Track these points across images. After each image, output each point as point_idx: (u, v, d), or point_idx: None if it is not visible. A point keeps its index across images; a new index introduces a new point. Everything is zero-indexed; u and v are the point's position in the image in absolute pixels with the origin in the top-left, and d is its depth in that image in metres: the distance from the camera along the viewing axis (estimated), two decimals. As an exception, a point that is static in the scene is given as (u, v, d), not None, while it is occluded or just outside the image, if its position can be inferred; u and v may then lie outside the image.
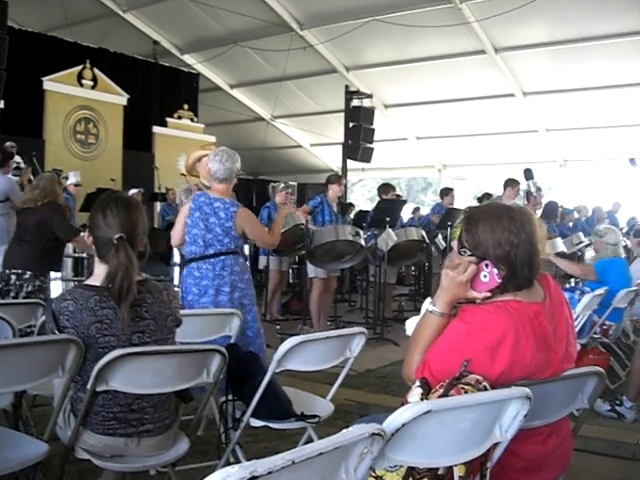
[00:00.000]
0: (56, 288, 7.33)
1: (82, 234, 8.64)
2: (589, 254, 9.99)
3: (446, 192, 11.29)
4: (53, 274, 6.87)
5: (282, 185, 9.26)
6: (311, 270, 7.88)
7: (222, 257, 4.73)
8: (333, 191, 8.18)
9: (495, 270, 2.13)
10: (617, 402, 4.88)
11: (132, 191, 10.74)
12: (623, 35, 12.32)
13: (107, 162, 14.45)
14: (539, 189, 8.95)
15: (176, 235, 4.92)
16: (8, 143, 8.55)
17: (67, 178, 10.93)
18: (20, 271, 5.59)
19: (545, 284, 2.27)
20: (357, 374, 5.77)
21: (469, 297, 2.18)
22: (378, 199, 9.20)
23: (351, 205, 12.88)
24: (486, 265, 2.14)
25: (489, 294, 2.16)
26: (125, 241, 2.56)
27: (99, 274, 2.60)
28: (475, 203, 12.41)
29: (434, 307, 2.23)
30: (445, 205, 10.99)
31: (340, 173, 13.93)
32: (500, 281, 2.12)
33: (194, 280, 4.72)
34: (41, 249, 5.64)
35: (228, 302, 4.69)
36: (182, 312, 2.84)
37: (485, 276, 2.13)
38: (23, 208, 5.73)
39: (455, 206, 10.82)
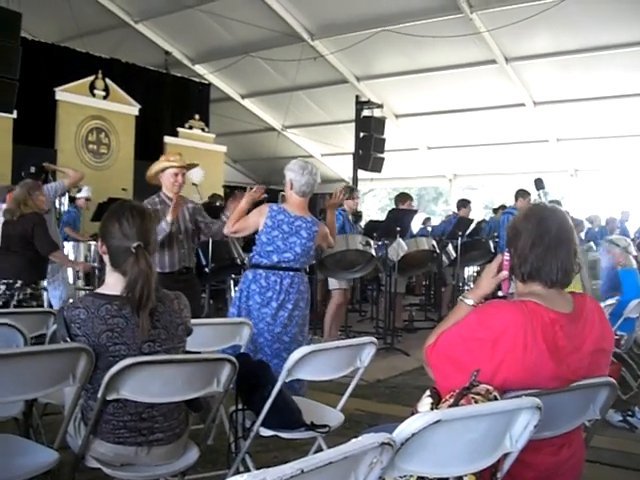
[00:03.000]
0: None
1: (91, 244, 8.74)
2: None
3: (464, 204, 11.25)
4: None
5: None
6: (334, 282, 7.84)
7: (291, 273, 4.69)
8: (349, 206, 8.20)
9: (507, 250, 2.34)
10: (629, 413, 4.85)
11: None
12: (634, 45, 12.28)
13: (118, 172, 14.48)
14: (555, 201, 8.91)
15: (238, 229, 4.82)
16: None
17: (80, 190, 10.96)
18: (11, 281, 5.63)
19: (580, 302, 2.30)
20: (367, 384, 5.76)
21: (495, 283, 2.41)
22: (391, 208, 9.19)
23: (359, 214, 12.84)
24: (508, 250, 2.34)
25: (506, 273, 2.34)
26: (144, 249, 2.57)
27: (111, 283, 2.61)
28: (491, 214, 12.43)
29: (466, 296, 2.44)
30: (460, 217, 10.98)
31: (351, 183, 13.95)
32: (508, 258, 2.32)
33: (259, 288, 4.66)
34: (29, 258, 5.67)
35: (287, 319, 4.67)
36: (193, 321, 2.85)
37: (506, 260, 2.35)
38: (6, 220, 5.76)
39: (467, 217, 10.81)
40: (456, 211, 11.61)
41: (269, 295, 4.65)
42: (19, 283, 5.63)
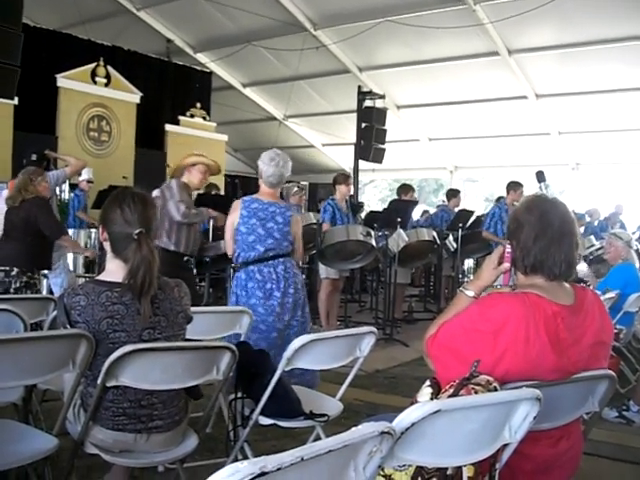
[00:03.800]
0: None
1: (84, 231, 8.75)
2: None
3: (453, 194, 11.20)
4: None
5: (295, 189, 9.28)
6: (323, 271, 7.86)
7: (281, 259, 4.71)
8: (341, 192, 8.09)
9: (508, 242, 2.33)
10: (624, 407, 4.86)
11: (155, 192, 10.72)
12: (636, 38, 12.25)
13: (119, 160, 14.46)
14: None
15: (228, 238, 4.86)
16: None
17: (80, 174, 10.96)
18: (7, 268, 5.61)
19: (581, 294, 2.30)
20: (366, 374, 5.77)
21: (496, 275, 2.38)
22: (392, 199, 9.18)
23: (361, 205, 12.82)
24: (509, 243, 2.32)
25: (508, 265, 2.33)
26: (146, 236, 2.57)
27: (112, 270, 2.61)
28: (490, 205, 12.43)
29: (466, 288, 2.42)
30: (451, 207, 10.95)
31: (351, 173, 13.94)
32: (510, 251, 2.31)
33: (257, 283, 4.66)
34: (27, 245, 5.63)
35: (293, 304, 4.70)
36: (193, 309, 2.85)
37: (507, 252, 2.34)
38: (8, 207, 5.73)
39: (466, 208, 10.80)
40: (446, 201, 11.59)
41: (269, 287, 4.66)
42: (15, 271, 5.60)
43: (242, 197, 4.90)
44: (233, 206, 4.82)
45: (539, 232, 2.23)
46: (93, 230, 9.21)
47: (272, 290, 4.65)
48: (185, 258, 5.48)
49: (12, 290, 5.55)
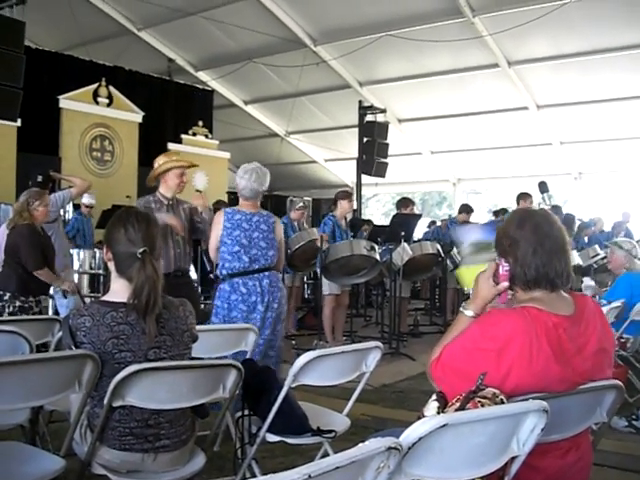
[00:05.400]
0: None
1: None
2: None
3: (466, 209, 11.13)
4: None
5: (300, 204, 9.26)
6: (325, 287, 7.84)
7: (267, 273, 4.70)
8: (342, 208, 8.05)
9: (503, 260, 2.28)
10: (633, 417, 4.83)
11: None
12: (636, 47, 12.29)
13: (122, 179, 14.52)
14: (555, 207, 8.85)
15: (212, 247, 4.82)
16: None
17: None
18: (1, 292, 5.58)
19: (581, 303, 2.28)
20: (373, 389, 5.74)
21: (495, 293, 2.31)
22: (395, 213, 9.17)
23: (367, 222, 12.76)
24: (505, 260, 2.28)
25: (507, 283, 2.27)
26: (150, 255, 2.57)
27: (116, 290, 2.61)
28: (491, 217, 12.43)
29: (466, 308, 2.37)
30: (459, 222, 10.93)
31: (354, 188, 13.95)
32: (508, 268, 2.25)
33: (241, 296, 4.64)
34: (16, 271, 5.57)
35: (275, 318, 4.68)
36: (198, 327, 2.84)
37: (501, 269, 2.28)
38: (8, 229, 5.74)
39: (470, 220, 10.78)
40: (457, 215, 11.56)
41: (253, 299, 4.63)
42: (7, 295, 5.56)
43: (224, 208, 4.90)
44: (216, 218, 4.81)
45: (537, 245, 2.21)
46: (97, 250, 9.22)
47: (256, 303, 4.63)
48: (172, 274, 5.14)
49: (6, 314, 5.51)
